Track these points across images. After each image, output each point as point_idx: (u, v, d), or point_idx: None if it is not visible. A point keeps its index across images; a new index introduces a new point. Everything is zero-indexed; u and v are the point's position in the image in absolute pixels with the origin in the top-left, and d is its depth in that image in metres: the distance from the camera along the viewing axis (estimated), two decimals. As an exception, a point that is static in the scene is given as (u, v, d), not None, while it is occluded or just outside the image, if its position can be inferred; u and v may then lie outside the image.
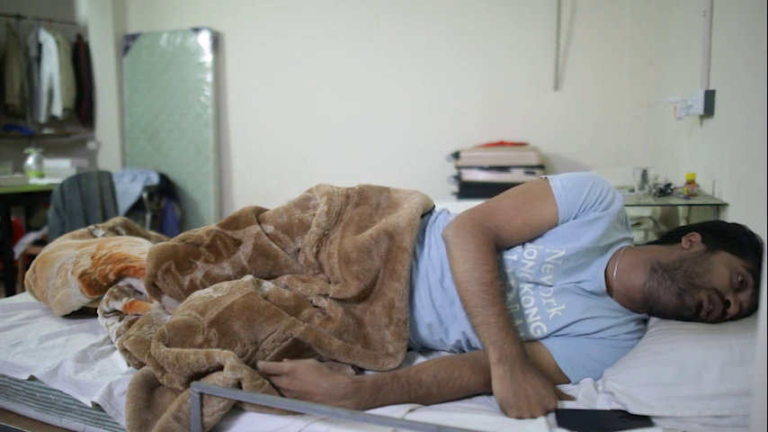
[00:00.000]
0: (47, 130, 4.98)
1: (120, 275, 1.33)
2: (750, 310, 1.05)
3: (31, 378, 1.16)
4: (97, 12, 4.86)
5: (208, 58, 4.54)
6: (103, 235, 1.64)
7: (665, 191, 2.18)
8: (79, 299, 1.35)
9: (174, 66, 4.68)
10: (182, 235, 1.31)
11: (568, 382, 1.10)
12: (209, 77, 4.57)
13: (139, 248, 1.44)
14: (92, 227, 1.69)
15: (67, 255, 1.42)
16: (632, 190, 2.43)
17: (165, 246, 1.26)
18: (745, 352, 0.88)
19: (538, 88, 3.68)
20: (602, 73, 3.57)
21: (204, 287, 1.21)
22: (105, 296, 1.31)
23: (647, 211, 2.69)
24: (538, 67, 3.65)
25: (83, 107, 4.96)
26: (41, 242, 3.28)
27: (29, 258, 3.33)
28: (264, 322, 1.07)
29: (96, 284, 1.33)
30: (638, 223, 2.68)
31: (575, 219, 1.12)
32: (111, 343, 1.26)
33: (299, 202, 1.35)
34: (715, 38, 2.09)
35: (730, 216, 1.83)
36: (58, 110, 4.80)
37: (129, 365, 1.13)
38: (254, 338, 1.06)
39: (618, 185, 2.58)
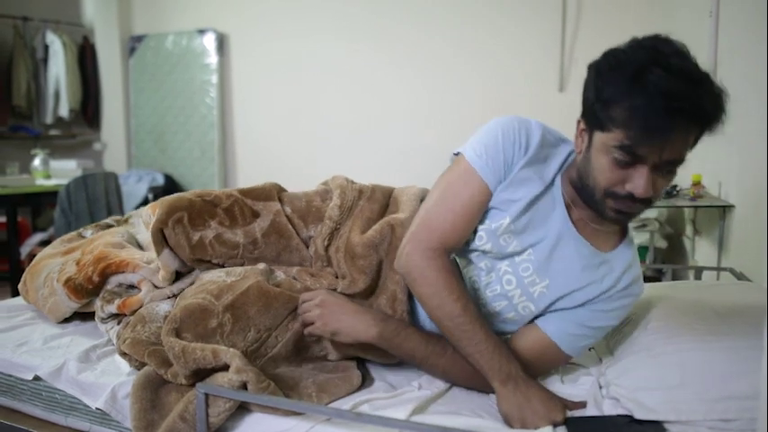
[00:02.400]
0: (53, 132, 5.01)
1: (103, 275, 1.28)
2: (673, 166, 0.93)
3: (36, 378, 1.16)
4: (103, 13, 4.89)
5: (213, 59, 4.56)
6: (92, 234, 1.63)
7: (671, 192, 2.17)
8: (68, 305, 1.32)
9: (180, 67, 4.70)
10: (198, 191, 1.28)
11: (570, 358, 1.08)
12: (214, 79, 4.58)
13: (119, 239, 1.42)
14: (81, 229, 1.67)
15: (53, 264, 1.41)
16: (638, 191, 2.43)
17: (182, 197, 1.24)
18: (749, 354, 0.87)
19: (542, 89, 3.67)
20: (608, 74, 3.56)
21: (212, 249, 1.21)
22: (98, 302, 1.29)
23: (652, 213, 2.68)
24: (542, 68, 3.64)
25: (89, 108, 4.98)
26: (47, 243, 3.28)
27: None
28: (280, 307, 1.08)
29: (82, 288, 1.29)
30: (643, 225, 2.66)
31: (505, 179, 1.04)
32: (113, 345, 1.26)
33: (320, 192, 1.36)
34: (721, 39, 2.08)
35: (737, 218, 1.82)
36: (64, 111, 4.83)
37: (131, 367, 1.13)
38: (268, 324, 1.07)
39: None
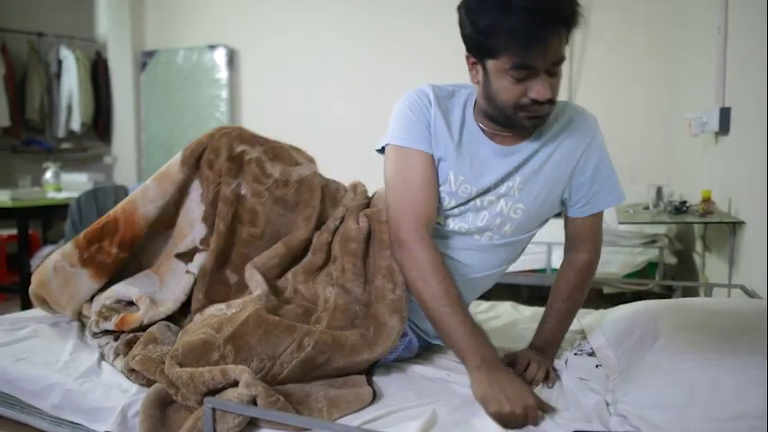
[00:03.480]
0: (65, 145, 5.07)
1: (122, 243, 1.31)
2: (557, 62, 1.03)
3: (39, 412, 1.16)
4: (116, 29, 4.96)
5: (223, 74, 4.61)
6: None
7: (681, 208, 2.16)
8: (90, 285, 1.33)
9: (191, 82, 4.75)
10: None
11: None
12: (224, 94, 4.63)
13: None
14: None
15: (54, 254, 1.41)
16: (647, 207, 2.42)
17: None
18: (759, 373, 0.86)
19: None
20: (616, 88, 3.56)
21: (248, 166, 1.29)
22: (93, 317, 1.28)
23: (662, 229, 2.67)
24: None
25: (100, 122, 5.04)
26: (57, 255, 3.32)
27: (45, 271, 3.37)
28: (281, 334, 1.06)
29: (103, 266, 1.31)
30: (652, 241, 2.65)
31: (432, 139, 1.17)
32: (103, 357, 1.23)
33: (351, 188, 1.41)
34: (730, 55, 2.08)
35: (748, 235, 1.80)
36: (76, 125, 4.89)
37: (138, 384, 1.11)
38: (271, 353, 1.05)
39: (632, 203, 2.58)
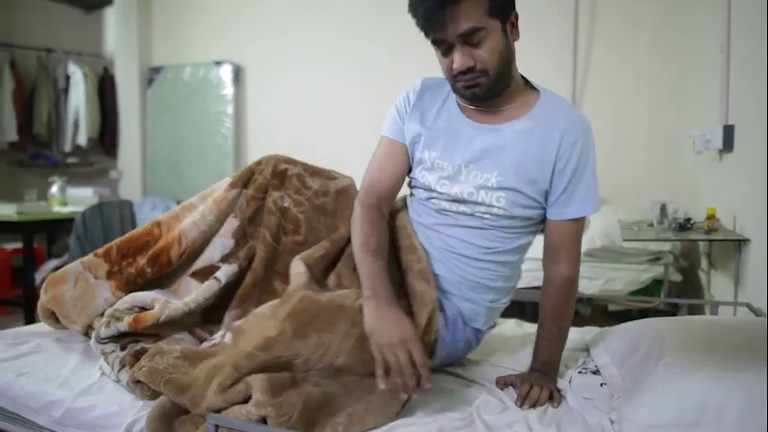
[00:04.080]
0: (71, 159, 5.10)
1: (153, 259, 1.32)
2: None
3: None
4: (124, 45, 5.02)
5: (229, 90, 4.65)
6: None
7: (685, 225, 2.15)
8: (107, 297, 1.33)
9: (197, 98, 4.79)
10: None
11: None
12: (230, 109, 4.66)
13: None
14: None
15: (73, 265, 1.41)
16: (651, 224, 2.41)
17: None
18: (766, 393, 0.85)
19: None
20: (620, 105, 3.57)
21: (290, 181, 1.35)
22: (104, 318, 1.27)
23: (666, 246, 2.65)
24: (555, 86, 3.66)
25: (106, 137, 5.08)
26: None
27: (49, 285, 3.37)
28: (335, 311, 1.07)
29: (129, 280, 1.32)
30: (657, 258, 2.64)
31: (407, 126, 1.29)
32: (106, 373, 1.21)
33: None
34: (733, 73, 2.09)
35: (753, 253, 1.80)
36: (82, 139, 4.93)
37: (142, 400, 1.10)
38: (329, 329, 1.05)
39: (636, 219, 2.57)
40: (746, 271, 1.86)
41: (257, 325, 1.09)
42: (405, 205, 1.36)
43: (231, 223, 1.34)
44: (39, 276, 3.29)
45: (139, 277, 1.33)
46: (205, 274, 1.32)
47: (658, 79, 3.44)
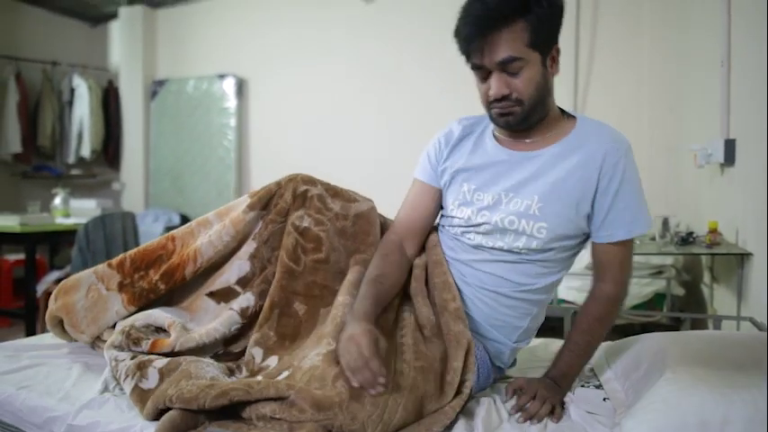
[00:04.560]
0: (74, 171, 5.12)
1: (167, 275, 1.31)
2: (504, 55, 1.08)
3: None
4: (129, 59, 5.07)
5: (232, 103, 4.67)
6: None
7: (687, 239, 2.15)
8: (118, 311, 1.32)
9: (200, 110, 4.82)
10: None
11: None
12: (232, 122, 4.68)
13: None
14: None
15: (86, 274, 1.40)
16: (653, 238, 2.41)
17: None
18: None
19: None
20: (622, 119, 3.57)
21: (311, 202, 1.33)
22: (120, 337, 1.24)
23: (668, 260, 2.65)
24: (557, 95, 3.67)
25: (110, 149, 5.10)
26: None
27: (50, 297, 3.37)
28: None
29: (141, 294, 1.31)
30: (659, 272, 2.63)
31: (440, 169, 1.31)
32: (109, 389, 1.19)
33: None
34: (734, 87, 2.10)
35: (756, 267, 1.79)
36: (86, 151, 4.95)
37: (144, 416, 1.07)
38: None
39: (639, 234, 2.56)
40: (749, 285, 1.86)
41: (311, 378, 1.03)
42: (438, 240, 1.34)
43: (249, 246, 1.32)
44: (40, 288, 3.29)
45: (152, 293, 1.32)
46: (222, 295, 1.31)
47: (660, 93, 3.45)
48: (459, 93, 4.07)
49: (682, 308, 2.72)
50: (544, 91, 1.15)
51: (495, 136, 1.26)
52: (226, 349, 1.27)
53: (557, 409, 1.12)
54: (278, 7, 4.56)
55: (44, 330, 3.22)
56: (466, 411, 1.12)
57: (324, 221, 1.32)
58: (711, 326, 2.05)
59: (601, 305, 1.21)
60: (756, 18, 1.82)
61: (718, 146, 2.07)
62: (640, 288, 2.60)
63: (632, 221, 1.16)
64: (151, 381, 1.11)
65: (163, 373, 1.11)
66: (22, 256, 3.40)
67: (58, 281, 3.35)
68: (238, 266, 1.32)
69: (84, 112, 4.93)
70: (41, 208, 3.84)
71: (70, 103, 5.01)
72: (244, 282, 1.31)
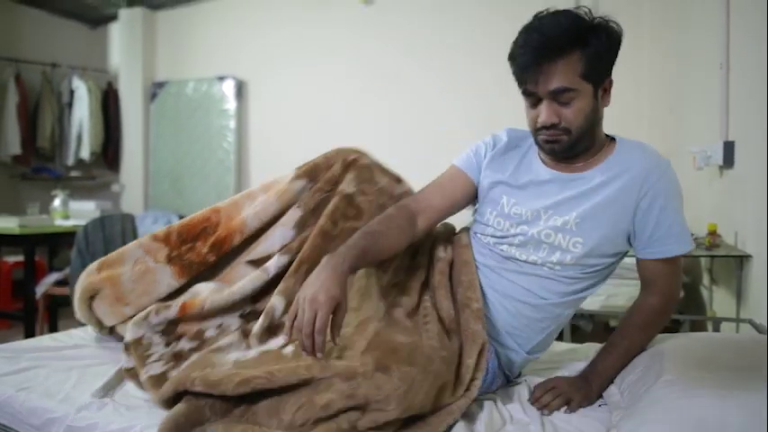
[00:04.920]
0: (74, 173, 5.12)
1: (215, 245, 1.34)
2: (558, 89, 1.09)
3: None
4: (129, 60, 5.07)
5: (232, 105, 4.67)
6: None
7: (686, 241, 2.15)
8: (170, 283, 1.34)
9: (200, 112, 4.82)
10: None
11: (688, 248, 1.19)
12: (232, 124, 4.69)
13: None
14: None
15: (131, 247, 1.40)
16: (652, 240, 2.40)
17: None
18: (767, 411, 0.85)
19: (556, 137, 3.70)
20: (622, 119, 3.57)
21: (362, 176, 1.34)
22: (152, 307, 1.27)
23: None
24: None
25: (109, 151, 5.10)
26: (63, 283, 3.31)
27: (49, 298, 3.36)
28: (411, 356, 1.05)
29: (190, 266, 1.33)
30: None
31: (481, 170, 1.31)
32: (108, 395, 1.17)
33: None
34: (732, 90, 2.10)
35: (755, 269, 1.79)
36: (85, 153, 4.95)
37: (155, 400, 1.08)
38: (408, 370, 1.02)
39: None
40: (748, 287, 1.86)
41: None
42: (470, 242, 1.33)
43: (294, 213, 1.34)
44: (40, 290, 3.28)
45: (202, 265, 1.35)
46: (263, 262, 1.33)
47: (659, 95, 3.45)
48: (458, 93, 4.08)
49: (681, 310, 2.72)
50: (593, 121, 1.16)
51: (539, 155, 1.27)
52: (253, 307, 1.30)
53: (572, 404, 1.14)
54: (277, 9, 4.57)
55: (43, 332, 3.22)
56: (466, 413, 1.12)
57: (368, 192, 1.34)
58: (710, 328, 2.06)
59: (644, 314, 1.22)
60: (755, 20, 1.82)
61: (717, 148, 2.07)
62: (640, 290, 2.60)
63: (678, 240, 1.17)
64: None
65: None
66: (21, 258, 3.40)
67: (57, 283, 3.36)
68: (282, 235, 1.33)
69: (83, 113, 4.93)
70: (41, 210, 3.83)
71: (70, 104, 5.01)
72: (285, 249, 1.32)
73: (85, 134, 4.93)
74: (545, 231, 1.19)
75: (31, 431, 1.16)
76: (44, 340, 1.55)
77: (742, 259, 1.89)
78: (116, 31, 5.28)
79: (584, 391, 1.18)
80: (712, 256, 2.11)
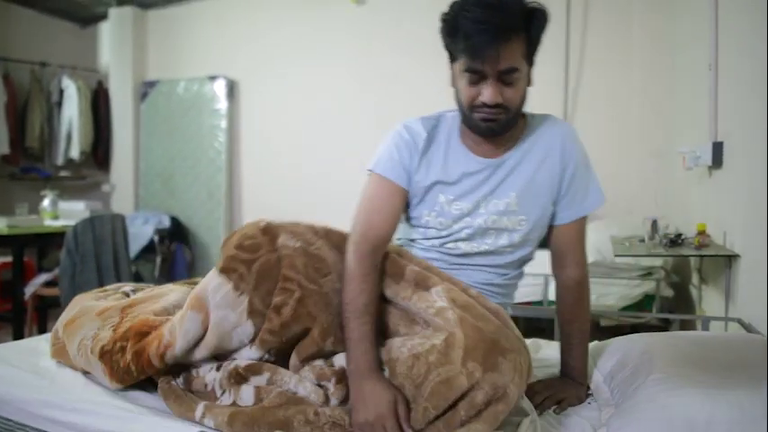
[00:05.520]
0: (63, 173, 5.08)
1: (139, 362, 1.15)
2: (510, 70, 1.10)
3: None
4: (119, 60, 5.03)
5: (223, 104, 4.66)
6: (133, 290, 1.55)
7: (676, 241, 2.17)
8: (108, 386, 1.19)
9: (191, 112, 4.80)
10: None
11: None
12: (223, 124, 4.67)
13: (163, 305, 1.32)
14: (121, 284, 1.62)
15: (89, 326, 1.29)
16: (643, 240, 2.42)
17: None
18: (755, 409, 0.86)
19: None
20: (612, 121, 3.60)
21: (288, 230, 1.15)
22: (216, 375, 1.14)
23: (658, 261, 2.67)
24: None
25: (99, 151, 5.06)
26: (52, 283, 3.29)
27: (38, 299, 3.34)
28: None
29: (120, 373, 1.17)
30: (649, 273, 2.65)
31: (413, 175, 1.23)
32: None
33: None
34: (721, 91, 2.12)
35: (743, 268, 1.81)
36: (75, 153, 4.91)
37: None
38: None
39: (628, 235, 2.59)
40: (737, 286, 1.87)
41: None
42: (412, 255, 1.24)
43: (238, 304, 1.11)
44: (28, 291, 3.25)
45: (126, 373, 1.19)
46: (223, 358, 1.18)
47: (649, 96, 3.48)
48: (452, 92, 4.08)
49: (671, 309, 2.74)
50: (524, 101, 1.19)
51: (461, 138, 1.25)
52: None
53: (563, 403, 1.17)
54: (269, 9, 4.55)
55: (32, 333, 3.19)
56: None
57: (312, 241, 1.16)
58: (700, 327, 2.07)
59: (572, 289, 1.27)
60: (744, 22, 1.84)
61: (706, 148, 2.09)
62: (630, 289, 2.62)
63: (593, 195, 1.25)
64: (245, 399, 1.08)
65: (260, 391, 1.09)
66: (9, 259, 3.37)
67: (47, 283, 3.33)
68: (238, 336, 1.13)
69: (73, 113, 4.89)
70: (30, 210, 3.80)
71: (59, 104, 4.96)
72: (259, 342, 1.13)
73: (75, 133, 4.89)
74: (491, 218, 1.22)
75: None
76: (31, 341, 1.52)
77: (730, 259, 1.90)
78: (106, 30, 5.24)
79: (572, 390, 1.20)
80: (701, 256, 2.13)
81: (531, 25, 1.11)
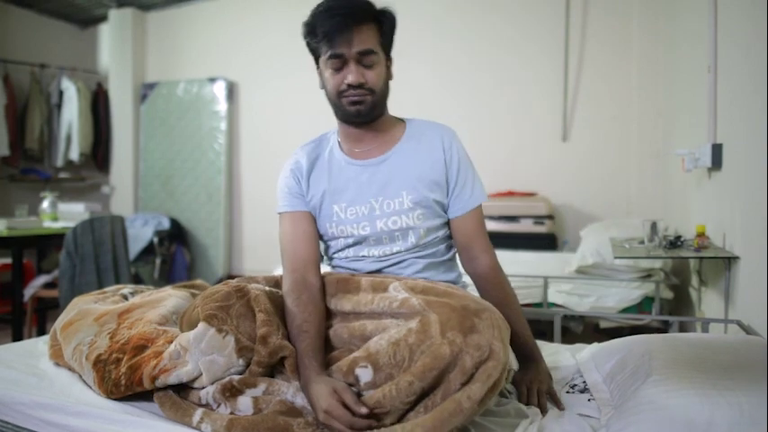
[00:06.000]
0: (63, 175, 5.08)
1: (130, 378, 1.14)
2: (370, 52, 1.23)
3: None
4: (118, 61, 5.04)
5: (222, 106, 4.66)
6: (131, 292, 1.54)
7: (676, 243, 2.16)
8: (99, 395, 1.18)
9: (190, 114, 4.80)
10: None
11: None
12: (223, 125, 4.67)
13: (163, 312, 1.32)
14: (120, 286, 1.60)
15: (85, 331, 1.30)
16: (642, 242, 2.42)
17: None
18: (754, 411, 0.85)
19: (546, 139, 3.72)
20: (611, 123, 3.61)
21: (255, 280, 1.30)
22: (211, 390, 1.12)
23: (657, 263, 2.66)
24: (546, 118, 3.70)
25: (99, 152, 5.07)
26: (52, 285, 3.29)
27: (38, 301, 3.34)
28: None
29: (109, 385, 1.16)
30: (648, 275, 2.65)
31: (306, 197, 1.34)
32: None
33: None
34: (720, 92, 2.12)
35: (742, 270, 1.81)
36: (74, 154, 4.91)
37: None
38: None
39: (627, 237, 2.58)
40: (736, 288, 1.87)
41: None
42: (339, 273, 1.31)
43: (225, 345, 1.12)
44: (28, 293, 3.25)
45: (116, 386, 1.18)
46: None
47: (648, 98, 3.48)
48: (448, 92, 4.09)
49: (670, 311, 2.73)
50: (386, 89, 1.30)
51: (342, 149, 1.35)
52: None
53: (552, 391, 1.20)
54: (268, 11, 4.56)
55: (31, 335, 3.19)
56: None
57: (271, 286, 1.29)
58: (699, 329, 2.07)
59: (491, 276, 1.32)
60: (743, 24, 1.84)
61: (705, 150, 2.09)
62: (629, 291, 2.62)
63: (478, 188, 1.34)
64: (244, 409, 1.08)
65: (258, 401, 1.08)
66: (9, 261, 3.37)
67: (46, 285, 3.33)
68: (231, 374, 1.13)
69: (72, 114, 4.89)
70: (29, 211, 3.80)
71: (59, 105, 4.97)
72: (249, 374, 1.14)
73: (75, 135, 4.90)
74: (391, 219, 1.28)
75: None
76: (27, 344, 1.52)
77: (730, 261, 1.90)
78: (106, 32, 5.25)
79: (543, 375, 1.24)
80: (701, 258, 2.13)
81: (382, 18, 1.25)
